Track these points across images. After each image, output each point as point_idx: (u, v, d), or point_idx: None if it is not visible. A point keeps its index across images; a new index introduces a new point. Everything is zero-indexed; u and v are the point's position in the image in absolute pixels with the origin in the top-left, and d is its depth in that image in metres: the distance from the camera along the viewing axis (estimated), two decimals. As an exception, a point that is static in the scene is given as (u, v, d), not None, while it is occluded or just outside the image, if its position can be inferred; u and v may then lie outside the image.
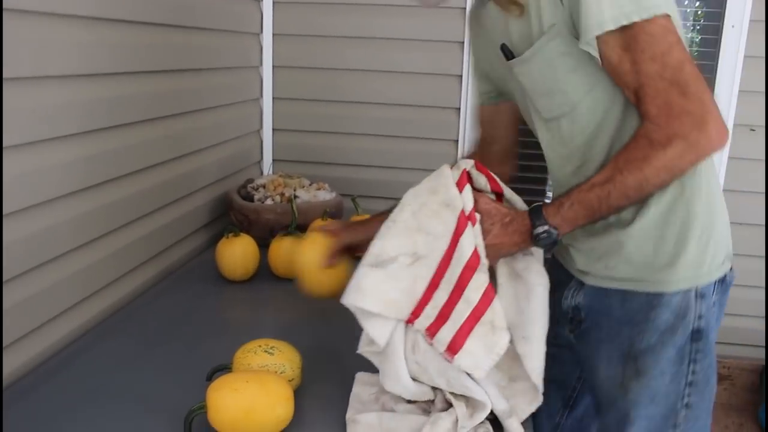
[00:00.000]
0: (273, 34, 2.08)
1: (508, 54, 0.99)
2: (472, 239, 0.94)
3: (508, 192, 1.03)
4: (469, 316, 0.92)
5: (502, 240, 0.96)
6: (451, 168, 0.99)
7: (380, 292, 0.95)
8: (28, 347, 1.12)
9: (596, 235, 1.04)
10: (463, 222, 0.94)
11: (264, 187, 1.78)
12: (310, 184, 1.85)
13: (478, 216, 0.96)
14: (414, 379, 0.98)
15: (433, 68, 2.05)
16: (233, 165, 1.93)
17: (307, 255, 1.19)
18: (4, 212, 1.00)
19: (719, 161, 2.13)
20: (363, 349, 1.02)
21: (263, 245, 1.55)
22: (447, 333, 0.93)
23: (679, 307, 1.00)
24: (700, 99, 0.86)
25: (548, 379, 1.22)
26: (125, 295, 1.39)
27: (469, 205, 0.95)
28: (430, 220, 0.96)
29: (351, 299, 0.95)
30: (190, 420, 0.91)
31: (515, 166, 1.28)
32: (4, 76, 0.97)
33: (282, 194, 1.75)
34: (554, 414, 1.27)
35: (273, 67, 2.09)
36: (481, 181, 1.00)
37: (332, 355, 1.17)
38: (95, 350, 1.18)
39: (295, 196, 1.72)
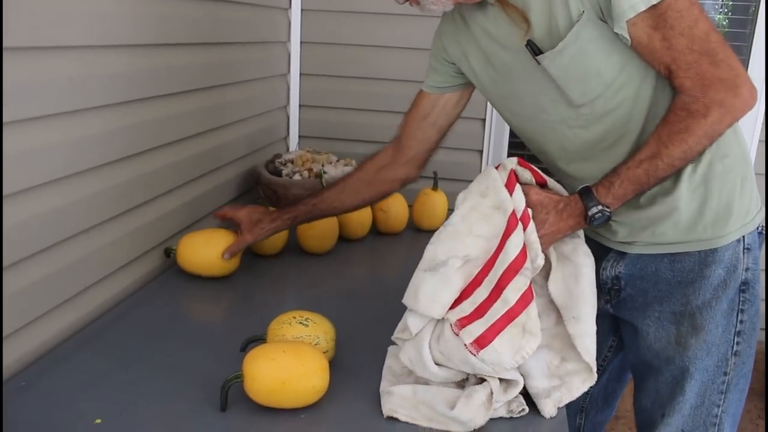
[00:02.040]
0: (301, 9, 2.07)
1: (536, 50, 0.99)
2: (521, 240, 0.95)
3: (551, 182, 1.04)
4: (503, 315, 0.94)
5: (558, 226, 0.98)
6: (497, 169, 1.01)
7: (435, 298, 0.97)
8: (69, 312, 1.14)
9: (641, 207, 1.06)
10: (513, 223, 0.96)
11: (292, 162, 1.79)
12: (337, 160, 1.85)
13: (530, 211, 0.98)
14: (440, 365, 0.99)
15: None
16: (260, 140, 1.94)
17: (209, 250, 1.35)
18: (30, 185, 1.01)
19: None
20: (396, 335, 1.04)
21: (293, 220, 1.56)
22: (478, 328, 0.94)
23: (730, 261, 1.05)
24: (729, 65, 0.91)
25: None
26: (155, 267, 1.41)
27: (521, 206, 0.97)
28: (480, 224, 0.99)
29: (409, 303, 0.99)
30: (227, 389, 0.93)
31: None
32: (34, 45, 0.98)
33: (310, 170, 1.75)
34: None
35: (301, 42, 2.08)
36: (526, 175, 1.02)
37: (363, 329, 1.18)
38: (129, 320, 1.20)
39: (324, 172, 1.73)
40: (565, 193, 1.03)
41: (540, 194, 0.99)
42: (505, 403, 0.96)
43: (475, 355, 0.93)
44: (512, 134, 2.19)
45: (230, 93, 1.69)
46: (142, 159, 1.30)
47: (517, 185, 0.99)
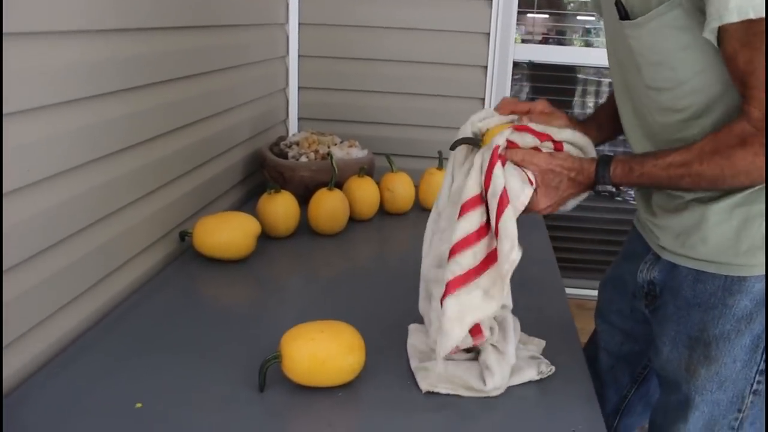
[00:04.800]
0: (299, -9, 2.06)
1: (622, 13, 0.93)
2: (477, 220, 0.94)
3: (560, 134, 1.00)
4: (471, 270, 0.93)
5: (570, 192, 0.96)
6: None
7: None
8: (91, 300, 1.14)
9: (676, 212, 1.01)
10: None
11: (297, 144, 1.79)
12: (341, 142, 1.86)
13: (532, 176, 0.94)
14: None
15: (461, 26, 2.04)
16: (260, 124, 1.92)
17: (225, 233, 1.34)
18: (48, 175, 0.99)
19: None
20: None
21: (300, 202, 1.56)
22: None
23: (760, 294, 0.95)
24: None
25: (618, 355, 1.24)
26: (171, 251, 1.41)
27: (496, 186, 0.92)
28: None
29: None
30: (265, 370, 0.94)
31: None
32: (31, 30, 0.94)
33: (316, 151, 1.75)
34: (622, 388, 1.28)
35: (299, 24, 2.07)
36: (528, 139, 0.98)
37: (380, 308, 1.19)
38: (151, 305, 1.20)
39: (329, 153, 1.73)
40: (584, 143, 1.00)
41: (551, 161, 0.95)
42: (535, 365, 1.00)
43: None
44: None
45: (229, 77, 1.66)
46: (153, 145, 1.29)
47: (498, 165, 0.92)
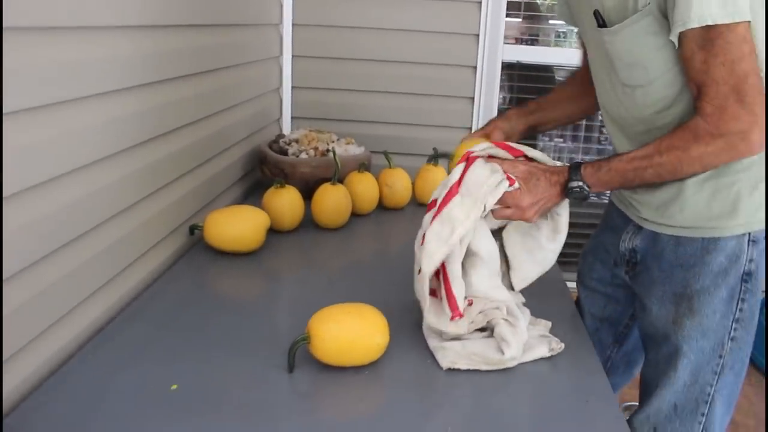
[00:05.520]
0: (292, -8, 2.10)
1: (600, 21, 1.05)
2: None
3: (532, 152, 1.11)
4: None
5: (549, 193, 1.06)
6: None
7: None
8: (113, 290, 1.17)
9: (654, 189, 1.13)
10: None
11: (297, 141, 1.83)
12: (338, 139, 1.90)
13: (515, 183, 1.05)
14: None
15: (451, 27, 2.11)
16: (256, 122, 1.96)
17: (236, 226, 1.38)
18: (70, 170, 1.00)
19: None
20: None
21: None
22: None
23: (733, 251, 1.09)
24: (752, 110, 0.93)
25: (602, 317, 1.37)
26: (181, 245, 1.44)
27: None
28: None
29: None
30: (294, 351, 0.98)
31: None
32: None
33: (316, 148, 1.80)
34: (606, 348, 1.39)
35: (293, 25, 2.11)
36: (501, 153, 1.09)
37: (390, 296, 1.23)
38: (169, 296, 1.23)
39: (328, 150, 1.78)
40: (550, 162, 1.11)
41: (529, 165, 1.07)
42: (546, 342, 1.06)
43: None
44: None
45: (224, 78, 1.68)
46: (160, 142, 1.31)
47: (473, 163, 1.06)
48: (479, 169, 1.06)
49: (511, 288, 1.17)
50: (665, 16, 0.97)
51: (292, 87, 2.17)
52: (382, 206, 1.80)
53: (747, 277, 1.10)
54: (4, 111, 0.83)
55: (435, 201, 1.08)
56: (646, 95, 1.07)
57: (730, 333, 1.12)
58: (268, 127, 2.09)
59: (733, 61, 0.92)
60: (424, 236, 1.05)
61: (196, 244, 1.46)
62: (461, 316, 1.04)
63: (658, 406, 1.18)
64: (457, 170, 1.07)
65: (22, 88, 0.87)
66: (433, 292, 1.07)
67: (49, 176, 0.95)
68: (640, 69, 1.04)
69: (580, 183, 1.04)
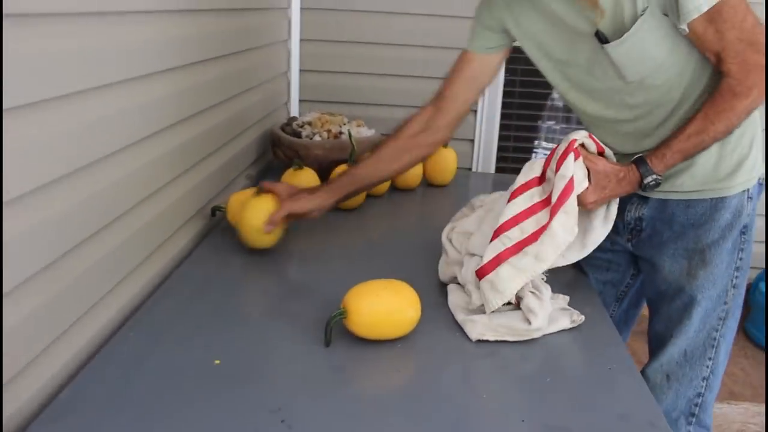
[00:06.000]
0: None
1: (604, 39, 1.10)
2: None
3: (607, 151, 1.18)
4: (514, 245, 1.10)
5: (615, 192, 1.14)
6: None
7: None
8: (149, 268, 1.21)
9: None
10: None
11: (310, 124, 1.86)
12: (348, 122, 1.93)
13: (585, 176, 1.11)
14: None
15: (459, 11, 2.13)
16: (265, 107, 1.99)
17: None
18: (99, 157, 1.03)
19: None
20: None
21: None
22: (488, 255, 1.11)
23: (736, 207, 1.21)
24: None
25: (605, 281, 1.46)
26: (203, 226, 1.47)
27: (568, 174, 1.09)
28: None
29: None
30: (331, 325, 1.02)
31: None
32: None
33: (329, 131, 1.83)
34: (608, 307, 1.48)
35: (301, 9, 2.13)
36: (592, 147, 1.15)
37: (411, 273, 1.27)
38: (196, 276, 1.27)
39: (341, 132, 1.81)
40: (614, 160, 1.17)
41: (606, 165, 1.13)
42: (568, 315, 1.12)
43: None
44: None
45: (244, 60, 1.71)
46: (181, 127, 1.32)
47: (572, 156, 1.09)
48: (579, 171, 1.11)
49: None
50: (663, 12, 1.05)
51: (300, 70, 2.19)
52: (394, 187, 1.83)
53: (745, 229, 1.23)
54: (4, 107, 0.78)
55: (528, 185, 1.13)
56: (654, 79, 1.13)
57: (732, 281, 1.24)
58: (277, 110, 2.11)
59: (741, 20, 1.03)
60: (548, 224, 1.08)
61: (217, 225, 1.49)
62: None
63: (671, 355, 1.28)
64: (570, 162, 1.09)
65: (24, 81, 0.81)
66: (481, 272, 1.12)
67: (88, 161, 0.98)
68: (649, 61, 1.11)
69: (654, 176, 1.12)
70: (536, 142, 2.66)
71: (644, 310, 1.48)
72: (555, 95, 2.59)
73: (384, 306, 1.01)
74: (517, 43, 1.30)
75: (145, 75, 1.15)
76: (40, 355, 0.89)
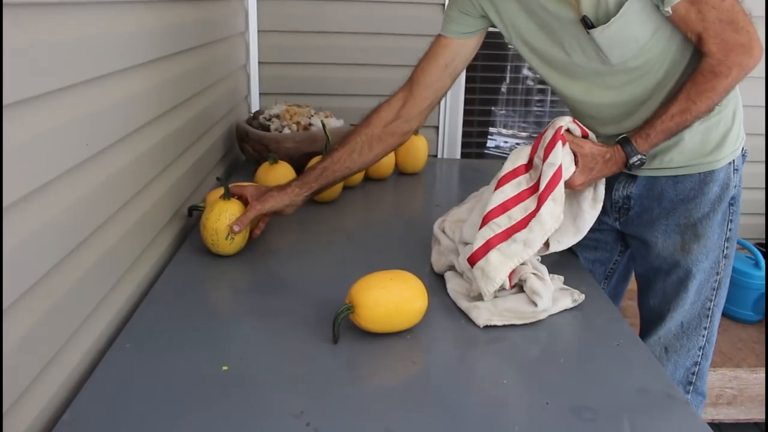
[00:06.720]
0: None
1: (590, 24, 1.11)
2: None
3: (590, 134, 1.19)
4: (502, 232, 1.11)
5: (602, 173, 1.15)
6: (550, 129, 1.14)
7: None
8: (140, 270, 1.15)
9: None
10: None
11: (278, 117, 1.81)
12: (316, 113, 1.90)
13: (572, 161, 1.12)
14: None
15: (416, -4, 2.12)
16: (228, 102, 1.92)
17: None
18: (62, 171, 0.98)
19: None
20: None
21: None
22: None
23: (723, 180, 1.24)
24: (746, 30, 1.06)
25: (594, 259, 1.48)
26: (182, 227, 1.42)
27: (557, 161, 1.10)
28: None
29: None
30: (339, 321, 0.99)
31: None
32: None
33: (298, 123, 1.78)
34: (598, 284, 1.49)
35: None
36: (576, 131, 1.16)
37: (404, 261, 1.26)
38: (185, 278, 1.22)
39: (311, 124, 1.77)
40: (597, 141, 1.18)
41: (593, 147, 1.14)
42: (569, 294, 1.14)
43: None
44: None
45: (203, 54, 1.64)
46: (154, 127, 1.26)
47: (560, 143, 1.10)
48: (567, 157, 1.11)
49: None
50: None
51: (259, 62, 2.13)
52: (367, 177, 1.81)
53: (733, 200, 1.26)
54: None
55: (516, 172, 1.14)
56: (636, 59, 1.15)
57: (723, 251, 1.28)
58: (238, 105, 2.05)
59: (720, 1, 1.05)
60: (537, 211, 1.09)
61: (195, 225, 1.43)
62: None
63: (668, 328, 1.32)
64: (558, 150, 1.10)
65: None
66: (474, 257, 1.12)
67: (58, 172, 0.89)
68: (632, 43, 1.12)
69: (639, 156, 1.13)
70: (493, 129, 2.68)
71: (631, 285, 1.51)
72: (509, 84, 2.62)
73: (393, 298, 0.99)
74: (494, 29, 1.29)
75: (103, 75, 1.04)
76: (35, 380, 0.83)
